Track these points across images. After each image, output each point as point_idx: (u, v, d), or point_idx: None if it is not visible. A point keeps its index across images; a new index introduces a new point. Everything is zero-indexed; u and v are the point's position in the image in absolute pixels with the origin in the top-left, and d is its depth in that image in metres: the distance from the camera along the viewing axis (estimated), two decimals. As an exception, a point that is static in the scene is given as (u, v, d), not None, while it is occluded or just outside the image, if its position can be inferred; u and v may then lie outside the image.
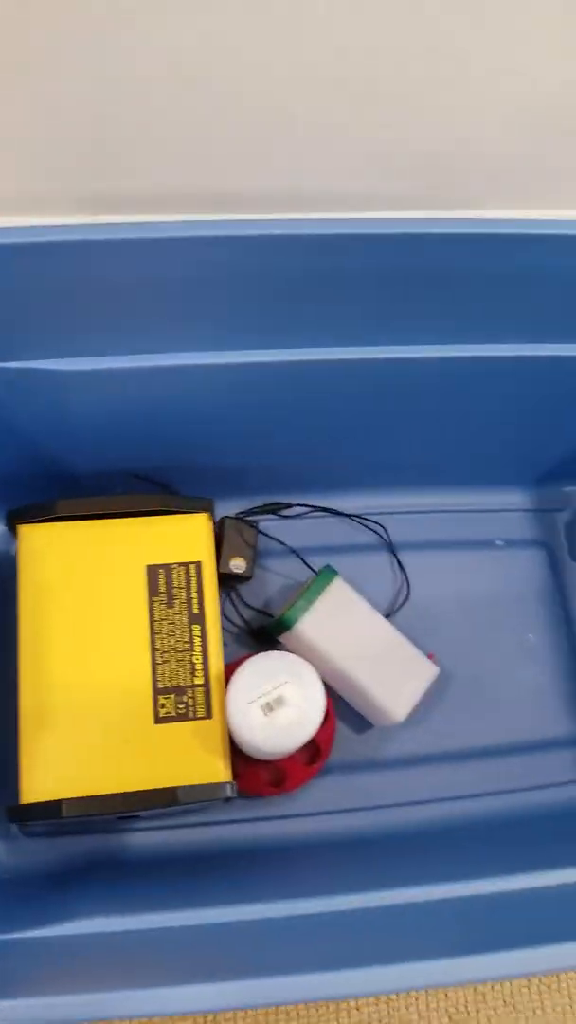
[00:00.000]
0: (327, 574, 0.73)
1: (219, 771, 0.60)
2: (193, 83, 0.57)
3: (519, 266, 0.59)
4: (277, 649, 0.76)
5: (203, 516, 0.68)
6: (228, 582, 0.78)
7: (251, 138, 0.63)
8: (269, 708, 0.57)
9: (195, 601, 0.65)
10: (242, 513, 0.81)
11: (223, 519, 0.78)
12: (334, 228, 0.54)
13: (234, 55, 0.55)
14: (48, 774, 0.59)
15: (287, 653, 0.60)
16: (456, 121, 0.63)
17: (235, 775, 0.68)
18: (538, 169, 0.69)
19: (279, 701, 0.57)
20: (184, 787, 0.59)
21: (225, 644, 0.76)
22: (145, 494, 0.66)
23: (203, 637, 0.64)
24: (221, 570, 0.76)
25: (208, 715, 0.61)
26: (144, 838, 0.70)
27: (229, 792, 0.59)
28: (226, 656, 0.75)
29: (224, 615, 0.77)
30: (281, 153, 0.64)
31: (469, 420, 0.76)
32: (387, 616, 0.79)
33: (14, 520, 0.66)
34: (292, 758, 0.70)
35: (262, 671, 0.58)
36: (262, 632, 0.76)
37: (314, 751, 0.71)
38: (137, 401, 0.65)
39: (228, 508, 0.81)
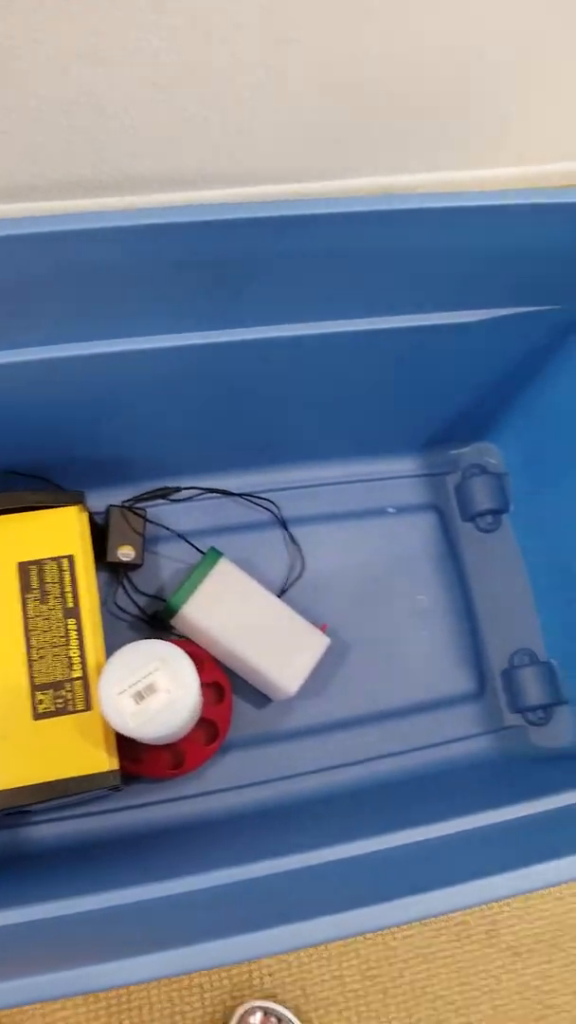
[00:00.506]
0: (212, 556, 0.73)
1: (102, 761, 0.60)
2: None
3: (389, 242, 0.58)
4: (172, 634, 0.77)
5: (74, 509, 0.67)
6: (119, 571, 0.78)
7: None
8: (140, 696, 0.57)
9: (69, 595, 0.64)
10: (130, 500, 0.80)
11: (109, 508, 0.78)
12: (206, 214, 0.53)
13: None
14: None
15: (157, 641, 0.60)
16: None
17: (136, 760, 0.69)
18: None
19: (149, 688, 0.57)
20: (66, 779, 0.59)
21: (119, 633, 0.77)
22: (16, 491, 0.66)
23: (79, 631, 0.64)
24: (109, 559, 0.76)
25: (87, 707, 0.61)
26: (50, 829, 0.70)
27: (112, 781, 0.59)
28: (121, 644, 0.76)
29: (116, 604, 0.77)
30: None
31: (352, 392, 0.76)
32: (282, 592, 0.79)
33: None
34: (190, 739, 0.70)
35: (131, 661, 0.58)
36: (156, 619, 0.76)
37: (212, 730, 0.72)
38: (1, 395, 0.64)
39: (116, 496, 0.81)
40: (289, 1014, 0.73)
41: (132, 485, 0.82)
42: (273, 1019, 0.73)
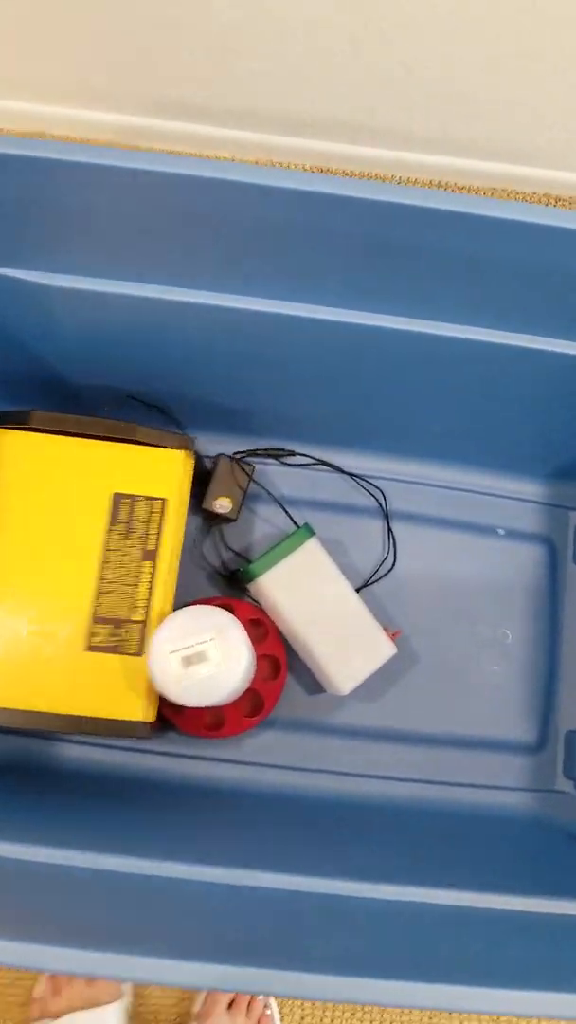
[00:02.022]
0: (303, 533, 0.71)
1: (138, 709, 0.61)
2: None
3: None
4: (246, 596, 0.76)
5: (180, 454, 0.66)
6: (212, 520, 0.78)
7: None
8: (189, 661, 0.57)
9: (152, 538, 0.64)
10: (241, 453, 0.79)
11: (219, 457, 0.77)
12: (386, 195, 0.50)
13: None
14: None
15: (219, 610, 0.59)
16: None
17: (176, 710, 0.69)
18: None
19: (200, 656, 0.57)
20: (98, 719, 0.60)
21: (195, 582, 0.76)
22: (129, 422, 0.65)
23: (152, 576, 0.64)
24: (205, 506, 0.75)
25: (139, 652, 0.62)
26: (74, 751, 0.72)
27: (142, 732, 0.60)
28: (194, 593, 0.76)
29: (202, 552, 0.77)
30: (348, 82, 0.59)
31: (494, 402, 0.71)
32: (363, 585, 0.77)
33: (-8, 422, 0.66)
34: (234, 705, 0.70)
35: (190, 624, 0.58)
36: (233, 576, 0.75)
37: (258, 703, 0.71)
38: (134, 329, 0.63)
39: (228, 445, 0.79)
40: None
41: (247, 438, 0.80)
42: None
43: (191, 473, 0.68)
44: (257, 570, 0.69)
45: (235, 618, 0.59)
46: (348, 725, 0.74)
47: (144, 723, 0.60)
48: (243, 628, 0.59)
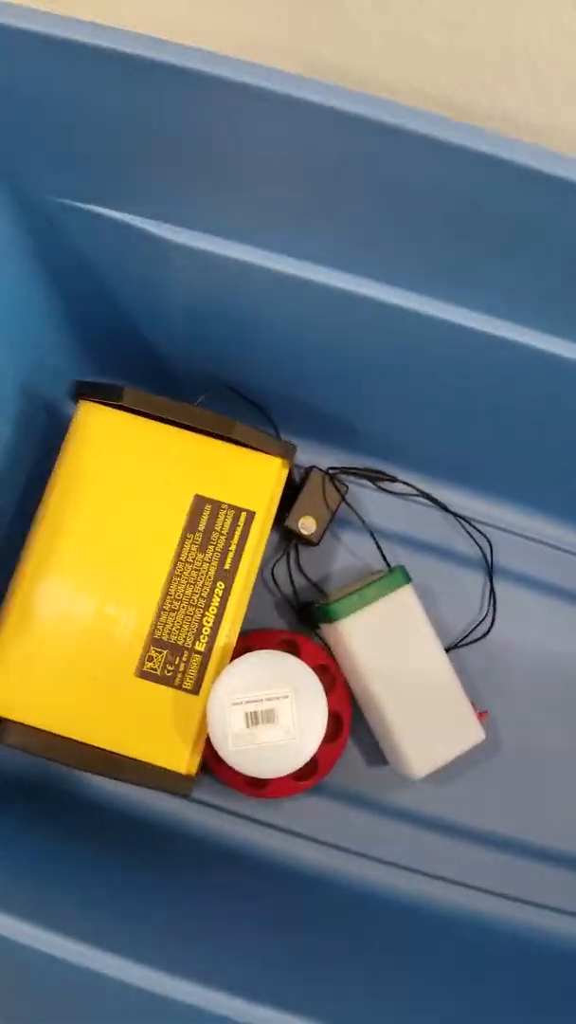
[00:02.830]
0: (398, 576, 0.60)
1: (181, 759, 0.50)
2: None
3: None
4: (315, 635, 0.65)
5: (277, 462, 0.56)
6: (291, 539, 0.67)
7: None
8: (255, 719, 0.46)
9: (231, 555, 0.54)
10: (336, 469, 0.68)
11: (311, 469, 0.66)
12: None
13: None
14: (5, 686, 0.51)
15: (300, 663, 0.48)
16: None
17: (215, 760, 0.59)
18: None
19: (268, 716, 0.46)
20: (135, 762, 0.50)
21: (260, 606, 0.66)
22: (225, 416, 0.55)
23: (224, 599, 0.53)
24: (287, 524, 0.65)
25: (195, 690, 0.51)
26: (106, 784, 0.62)
27: (183, 787, 0.50)
28: (255, 620, 0.65)
29: (272, 573, 0.66)
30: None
31: None
32: (452, 647, 0.66)
33: (80, 393, 0.56)
34: (283, 763, 0.59)
35: (263, 671, 0.47)
36: (306, 610, 0.65)
37: (310, 766, 0.60)
38: (252, 308, 0.53)
39: (324, 459, 0.69)
40: None
41: (346, 453, 0.70)
42: None
43: (283, 481, 0.57)
44: (338, 611, 0.59)
45: (315, 675, 0.48)
46: (408, 809, 0.63)
47: (187, 777, 0.50)
48: (323, 690, 0.48)
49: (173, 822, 0.61)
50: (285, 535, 0.68)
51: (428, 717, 0.58)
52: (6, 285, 0.52)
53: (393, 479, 0.69)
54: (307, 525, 0.66)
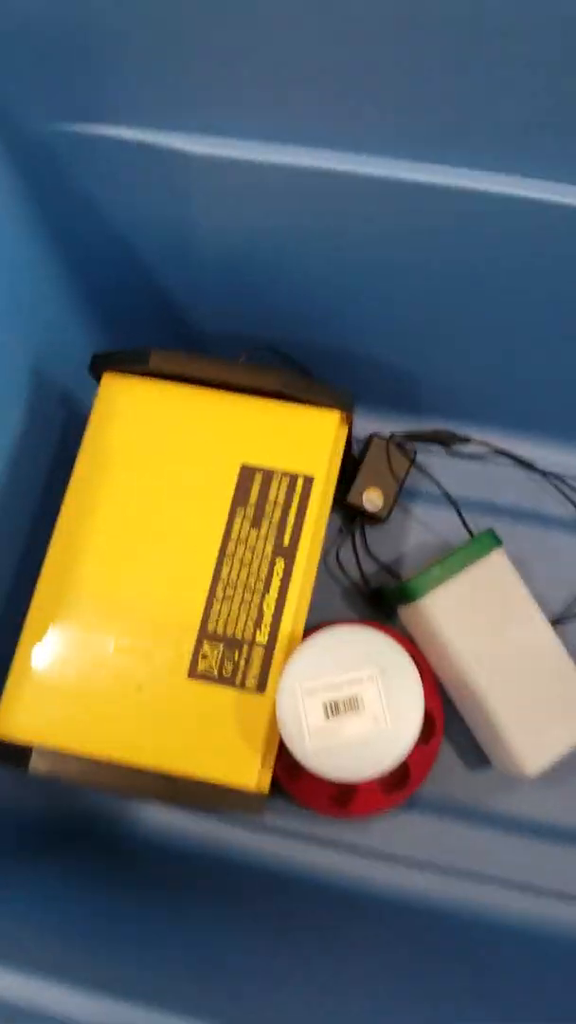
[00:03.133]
0: (485, 540, 0.51)
1: (251, 772, 0.42)
2: None
3: None
4: (394, 624, 0.57)
5: (335, 416, 0.48)
6: (355, 519, 0.59)
7: None
8: (335, 709, 0.38)
9: (290, 529, 0.46)
10: (400, 436, 0.60)
11: (371, 438, 0.58)
12: None
13: None
14: (31, 705, 0.43)
15: (385, 636, 0.40)
16: None
17: (291, 774, 0.50)
18: None
19: (352, 703, 0.38)
20: (194, 782, 0.41)
21: (326, 598, 0.58)
22: (268, 368, 0.47)
23: (286, 579, 0.45)
24: (350, 499, 0.57)
25: (260, 689, 0.43)
26: (156, 814, 0.54)
27: (254, 806, 0.41)
28: (322, 613, 0.57)
29: (338, 559, 0.58)
30: None
31: None
32: (558, 621, 0.56)
33: (99, 365, 0.49)
34: (370, 773, 0.50)
35: (341, 651, 0.39)
36: (378, 596, 0.56)
37: (401, 775, 0.51)
38: (289, 228, 0.45)
39: (384, 425, 0.61)
40: None
41: (408, 417, 0.61)
42: None
43: (344, 443, 0.49)
44: (419, 587, 0.50)
45: (402, 648, 0.40)
46: (519, 816, 0.53)
47: (259, 795, 0.41)
48: (415, 668, 0.39)
49: (243, 857, 0.53)
50: (348, 515, 0.59)
51: (537, 703, 0.49)
52: (5, 254, 0.45)
53: (466, 439, 0.61)
54: (372, 499, 0.57)
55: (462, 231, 0.41)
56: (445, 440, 0.61)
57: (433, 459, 0.61)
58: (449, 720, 0.54)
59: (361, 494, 0.57)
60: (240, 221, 0.44)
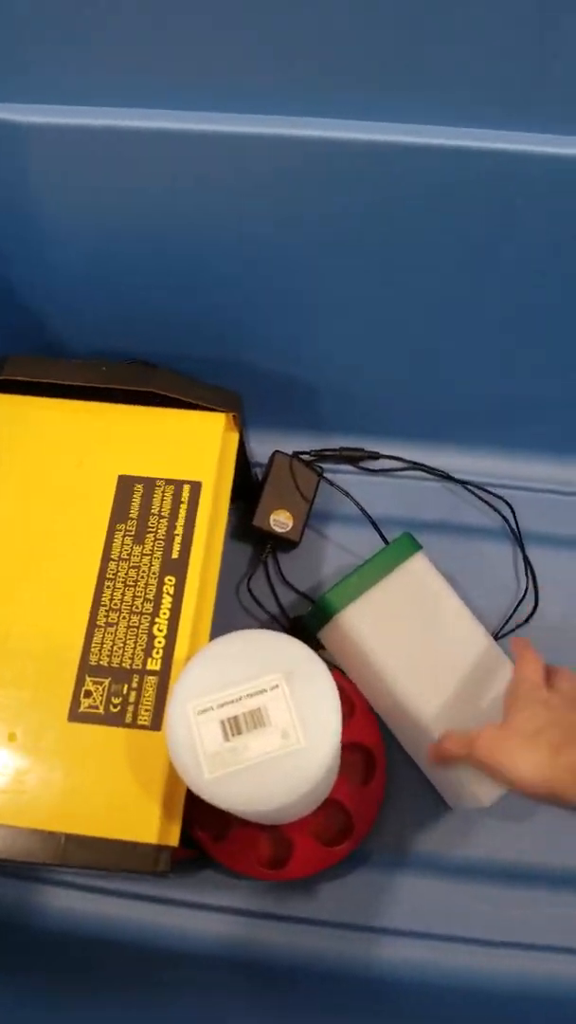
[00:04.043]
0: (403, 545, 0.47)
1: (149, 824, 0.35)
2: None
3: None
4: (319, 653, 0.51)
5: (220, 417, 0.43)
6: (266, 544, 0.53)
7: None
8: (236, 727, 0.31)
9: (178, 540, 0.40)
10: (305, 454, 0.56)
11: (275, 454, 0.54)
12: None
13: None
14: None
15: (286, 636, 0.34)
16: None
17: (216, 834, 0.43)
18: None
19: (255, 718, 0.31)
20: (80, 839, 0.34)
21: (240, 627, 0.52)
22: (140, 368, 0.43)
23: (177, 596, 0.39)
24: (256, 523, 0.52)
25: (155, 725, 0.37)
26: (59, 897, 0.46)
27: (156, 864, 0.34)
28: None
29: (250, 589, 0.52)
30: None
31: None
32: (497, 635, 0.51)
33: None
34: (303, 827, 0.43)
35: (238, 659, 0.33)
36: (297, 625, 0.51)
37: (343, 823, 0.44)
38: (147, 205, 0.41)
39: (288, 444, 0.56)
40: None
41: (315, 434, 0.57)
42: None
43: (235, 449, 0.45)
44: (336, 600, 0.45)
45: (310, 649, 0.34)
46: (484, 862, 0.46)
47: (161, 848, 0.34)
48: (328, 669, 0.33)
49: (166, 941, 0.44)
50: (258, 541, 0.54)
51: (482, 716, 0.43)
52: None
53: (376, 455, 0.57)
54: (281, 521, 0.52)
55: (339, 183, 0.38)
56: (353, 457, 0.57)
57: (344, 478, 0.56)
58: (393, 759, 0.47)
59: (268, 516, 0.52)
60: (90, 205, 0.40)
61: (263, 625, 0.52)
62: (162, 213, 0.40)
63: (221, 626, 0.38)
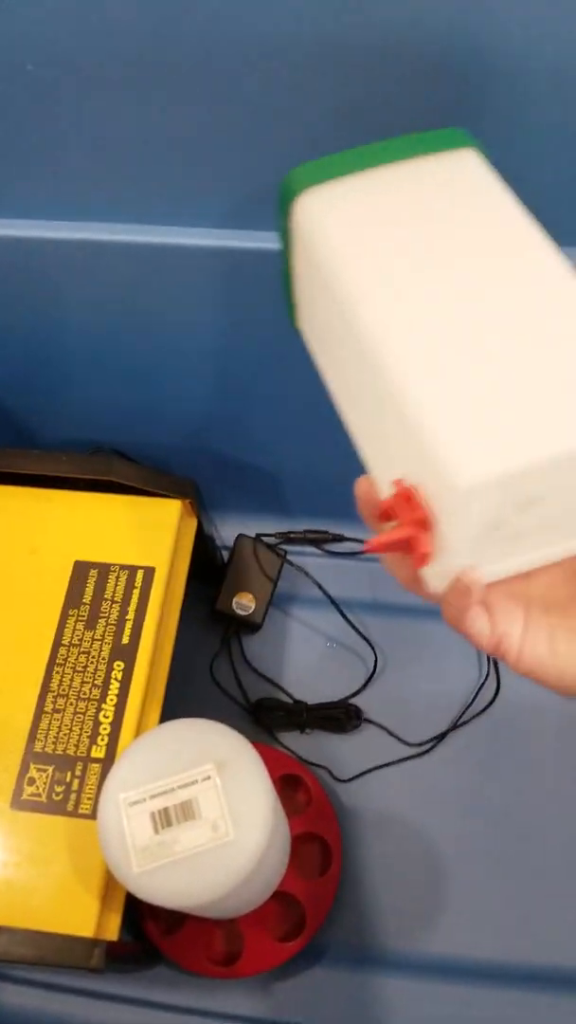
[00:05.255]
0: (446, 135, 0.25)
1: (86, 916, 0.34)
2: None
3: None
4: (278, 744, 0.50)
5: (175, 504, 0.44)
6: (230, 627, 0.54)
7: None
8: (166, 819, 0.31)
9: (129, 624, 0.41)
10: (268, 536, 0.57)
11: (239, 538, 0.54)
12: None
13: None
14: None
15: (222, 727, 0.34)
16: None
17: (166, 928, 0.42)
18: None
19: (186, 810, 0.31)
20: (16, 931, 0.33)
21: (202, 713, 0.51)
22: (96, 457, 0.44)
23: (125, 682, 0.39)
24: (219, 607, 0.52)
25: (96, 814, 0.36)
26: (12, 994, 0.45)
27: (90, 960, 0.33)
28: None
29: (212, 674, 0.53)
30: None
31: None
32: (455, 725, 0.51)
33: None
34: (255, 921, 0.42)
35: (171, 749, 0.33)
36: (258, 709, 0.51)
37: (294, 917, 0.43)
38: (83, 305, 0.43)
39: (255, 526, 0.57)
40: None
41: (280, 518, 0.58)
42: None
43: (191, 535, 0.46)
44: (305, 176, 0.24)
45: (243, 738, 0.34)
46: (441, 959, 0.45)
47: (96, 943, 0.33)
48: (260, 759, 0.33)
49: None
50: (223, 622, 0.54)
51: (509, 374, 0.20)
52: None
53: (340, 538, 0.58)
54: (244, 604, 0.53)
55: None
56: (318, 539, 0.57)
57: (310, 560, 0.57)
58: (350, 851, 0.47)
59: (231, 599, 0.53)
60: (29, 306, 0.42)
61: (224, 707, 0.52)
62: (92, 315, 0.43)
63: (191, 706, 0.38)
